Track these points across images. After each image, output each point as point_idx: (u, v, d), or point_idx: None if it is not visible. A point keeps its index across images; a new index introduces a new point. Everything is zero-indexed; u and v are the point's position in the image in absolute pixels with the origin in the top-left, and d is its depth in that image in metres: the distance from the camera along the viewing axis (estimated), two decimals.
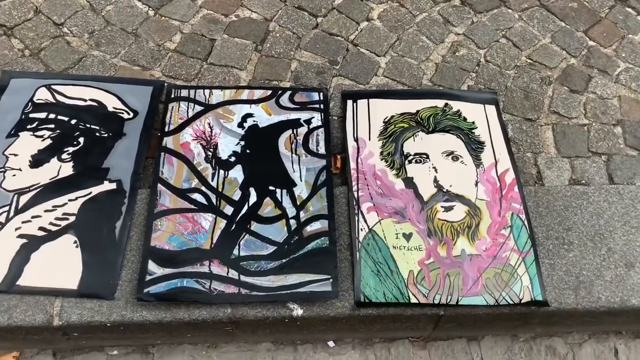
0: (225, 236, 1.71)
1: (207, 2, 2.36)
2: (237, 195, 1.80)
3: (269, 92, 2.07)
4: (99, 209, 1.73)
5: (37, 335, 1.62)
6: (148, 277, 1.61)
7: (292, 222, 1.75)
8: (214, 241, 1.70)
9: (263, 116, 2.00)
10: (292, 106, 2.04)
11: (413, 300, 1.65)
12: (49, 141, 1.86)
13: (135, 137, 1.90)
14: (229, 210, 1.77)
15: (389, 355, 1.79)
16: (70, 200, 1.74)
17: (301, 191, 1.82)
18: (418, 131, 1.98)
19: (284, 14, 2.36)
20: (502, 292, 1.68)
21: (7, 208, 1.70)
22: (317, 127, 1.98)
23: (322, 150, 1.92)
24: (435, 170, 1.89)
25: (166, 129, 1.93)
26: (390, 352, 1.80)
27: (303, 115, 2.01)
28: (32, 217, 1.69)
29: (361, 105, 2.05)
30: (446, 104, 2.08)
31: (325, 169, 1.87)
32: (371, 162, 1.90)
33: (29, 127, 1.89)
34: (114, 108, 1.97)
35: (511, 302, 1.67)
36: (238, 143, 1.92)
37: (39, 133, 1.87)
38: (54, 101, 1.96)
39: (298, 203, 1.79)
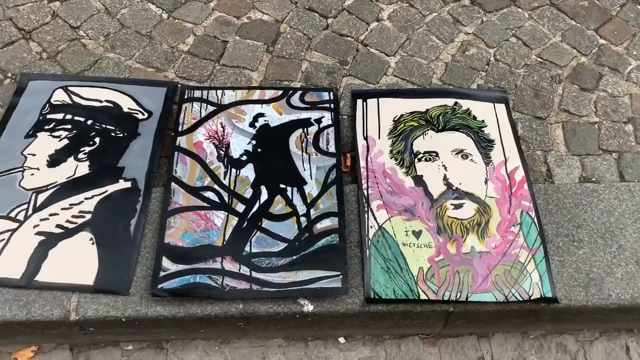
0: (237, 233, 1.74)
1: (219, 5, 2.40)
2: (248, 193, 1.83)
3: (280, 92, 2.10)
4: (114, 207, 1.77)
5: (54, 329, 1.66)
6: (162, 273, 1.65)
7: (303, 219, 1.78)
8: (226, 238, 1.73)
9: (274, 116, 2.03)
10: (303, 106, 2.06)
11: (423, 296, 1.66)
12: (65, 141, 1.91)
13: (149, 137, 1.94)
14: (240, 208, 1.80)
15: (399, 352, 1.81)
16: (86, 198, 1.78)
17: (311, 189, 1.85)
18: (428, 130, 2.00)
19: (295, 15, 2.39)
20: (511, 288, 1.69)
21: (25, 206, 1.75)
22: (327, 126, 2.00)
23: (332, 149, 1.94)
24: (445, 168, 1.90)
25: (180, 129, 1.97)
26: (401, 348, 1.81)
27: (313, 115, 2.04)
28: (50, 214, 1.74)
29: (371, 104, 2.07)
30: (456, 103, 2.09)
31: (335, 168, 1.89)
32: (381, 161, 1.92)
33: (46, 127, 1.94)
34: (128, 109, 2.01)
35: (521, 299, 1.67)
36: (249, 142, 1.96)
37: (56, 133, 1.92)
38: (70, 102, 2.01)
39: (308, 201, 1.82)
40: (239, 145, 1.95)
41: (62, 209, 1.75)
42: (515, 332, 1.88)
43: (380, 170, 1.89)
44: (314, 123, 2.01)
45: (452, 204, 1.83)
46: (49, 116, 1.97)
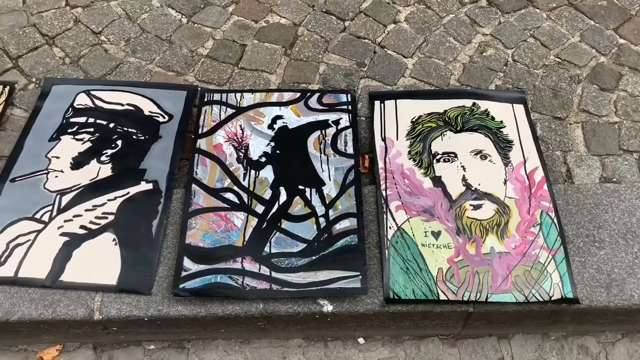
0: (256, 234, 1.76)
1: (237, 9, 2.43)
2: (267, 195, 1.85)
3: (298, 94, 2.12)
4: (136, 208, 1.80)
5: (78, 329, 1.69)
6: (184, 273, 1.67)
7: (322, 220, 1.79)
8: (246, 239, 1.75)
9: (292, 118, 2.05)
10: (321, 108, 2.08)
11: (442, 297, 1.66)
12: (88, 144, 1.94)
13: (170, 140, 1.97)
14: (260, 209, 1.82)
15: (419, 352, 1.81)
16: (109, 200, 1.81)
17: (330, 190, 1.86)
18: (446, 130, 2.00)
19: (312, 18, 2.41)
20: (531, 289, 1.68)
21: (50, 208, 1.79)
22: (345, 128, 2.02)
23: (350, 150, 1.95)
24: (464, 169, 1.90)
25: (200, 132, 1.99)
26: (420, 349, 1.81)
27: (331, 117, 2.05)
28: (74, 216, 1.77)
29: (389, 105, 2.08)
30: (474, 104, 2.09)
31: (353, 169, 1.90)
32: (399, 162, 1.92)
33: (69, 131, 1.98)
34: (149, 112, 2.04)
35: (541, 300, 1.67)
36: (268, 144, 1.98)
37: (79, 136, 1.96)
38: (93, 106, 2.05)
39: (327, 202, 1.83)
40: (258, 147, 1.97)
41: (86, 210, 1.79)
42: (536, 333, 1.87)
43: (399, 171, 1.90)
44: (332, 125, 2.03)
45: (471, 205, 1.83)
46: (72, 120, 2.01)
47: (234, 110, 2.07)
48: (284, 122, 2.04)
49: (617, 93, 2.20)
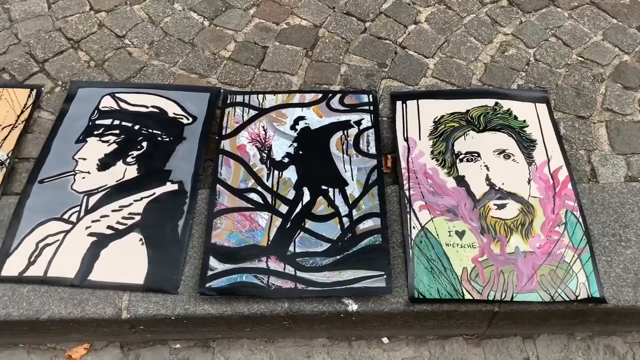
0: (281, 233, 1.77)
1: (258, 12, 2.46)
2: (291, 195, 1.86)
3: (320, 95, 2.13)
4: (162, 208, 1.82)
5: (106, 327, 1.72)
6: (209, 272, 1.69)
7: (345, 220, 1.80)
8: (271, 238, 1.76)
9: (314, 118, 2.06)
10: (342, 108, 2.09)
11: (467, 296, 1.66)
12: (114, 146, 1.97)
13: (194, 141, 1.99)
14: (283, 208, 1.83)
15: (443, 352, 1.80)
16: (135, 200, 1.84)
17: (353, 190, 1.87)
18: (469, 130, 2.00)
19: (333, 20, 2.42)
20: (557, 288, 1.67)
21: (77, 208, 1.82)
22: (367, 128, 2.02)
23: (372, 150, 1.96)
24: (487, 169, 1.90)
25: (223, 133, 2.01)
26: (445, 349, 1.81)
27: (353, 117, 2.06)
28: (101, 216, 1.80)
29: (410, 105, 2.09)
30: (496, 103, 2.08)
31: (376, 169, 1.91)
32: (422, 161, 1.93)
33: (95, 132, 2.01)
34: (174, 114, 2.07)
35: (567, 299, 1.66)
36: (291, 145, 1.99)
37: (105, 138, 1.99)
38: (118, 108, 2.08)
39: (350, 202, 1.84)
40: (281, 147, 1.98)
41: (113, 210, 1.81)
42: (561, 333, 1.85)
43: (422, 171, 1.90)
44: (354, 125, 2.04)
45: (495, 204, 1.83)
46: (97, 122, 2.04)
47: (256, 112, 2.08)
48: (306, 123, 2.05)
49: None
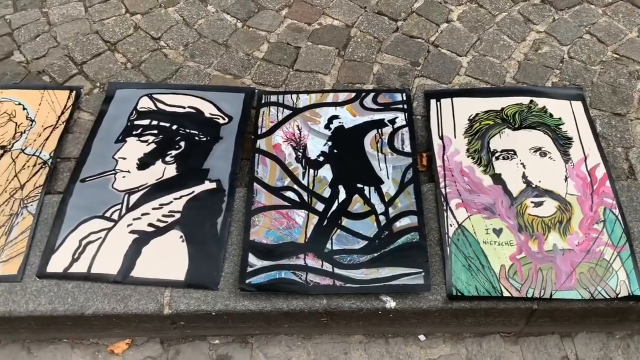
0: (318, 231, 1.79)
1: (290, 12, 2.48)
2: (327, 193, 1.88)
3: (353, 94, 2.15)
4: (201, 206, 1.86)
5: (148, 323, 1.75)
6: (249, 269, 1.71)
7: (382, 217, 1.81)
8: (308, 236, 1.78)
9: (348, 117, 2.08)
10: (376, 107, 2.10)
11: (506, 293, 1.66)
12: (153, 145, 2.01)
13: (231, 140, 2.03)
14: (320, 206, 1.85)
15: (481, 349, 1.80)
16: (175, 198, 1.87)
17: (389, 188, 1.88)
18: (504, 128, 2.00)
19: (365, 19, 2.44)
20: (597, 286, 1.66)
21: (119, 206, 1.86)
22: (402, 127, 2.03)
23: (407, 149, 1.97)
24: (524, 166, 1.89)
25: (259, 132, 2.04)
26: (482, 346, 1.81)
27: (387, 116, 2.07)
28: (142, 214, 1.84)
29: (445, 104, 2.09)
30: (531, 101, 2.08)
31: (411, 167, 1.92)
32: (457, 159, 1.93)
33: (134, 133, 2.05)
34: (210, 114, 2.10)
35: (607, 297, 1.65)
36: (326, 143, 2.01)
37: (143, 138, 2.03)
38: (155, 109, 2.12)
39: (386, 200, 1.85)
40: (316, 146, 2.00)
41: (153, 208, 1.85)
42: (600, 331, 1.84)
43: (458, 169, 1.90)
44: (388, 124, 2.05)
45: (532, 202, 1.82)
46: (136, 122, 2.08)
47: (290, 111, 2.11)
48: (340, 122, 2.07)
49: None
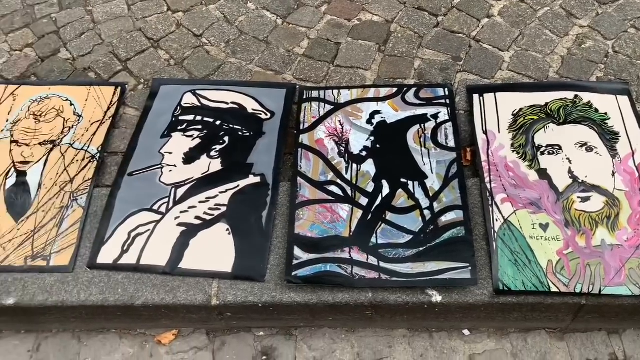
0: (362, 225, 1.80)
1: (330, 9, 2.50)
2: (370, 187, 1.89)
3: (395, 89, 2.15)
4: (246, 200, 1.88)
5: (195, 314, 1.78)
6: (295, 262, 1.73)
7: (427, 212, 1.81)
8: (352, 229, 1.79)
9: (390, 112, 2.08)
10: (418, 102, 2.10)
11: (553, 289, 1.65)
12: (198, 140, 2.05)
13: (274, 136, 2.05)
14: (363, 201, 1.86)
15: (526, 345, 1.79)
16: (220, 192, 1.90)
17: (433, 183, 1.88)
18: (549, 123, 1.98)
19: (405, 15, 2.44)
20: None
21: (166, 200, 1.90)
22: (445, 122, 2.03)
23: (451, 144, 1.96)
24: (570, 162, 1.88)
25: (301, 127, 2.06)
26: (527, 342, 1.80)
27: (430, 111, 2.07)
28: (189, 207, 1.87)
29: (488, 99, 2.08)
30: (576, 96, 2.05)
31: (455, 162, 1.92)
32: (502, 154, 1.92)
33: (179, 128, 2.09)
34: (252, 110, 2.13)
35: None
36: (368, 138, 2.02)
37: (188, 133, 2.07)
38: (199, 105, 2.15)
39: (431, 194, 1.85)
40: (358, 141, 2.01)
41: (200, 202, 1.88)
42: None
43: (503, 163, 1.89)
44: (431, 119, 2.05)
45: (579, 197, 1.80)
46: (180, 118, 2.12)
47: (332, 107, 2.12)
48: (382, 117, 2.07)
49: None
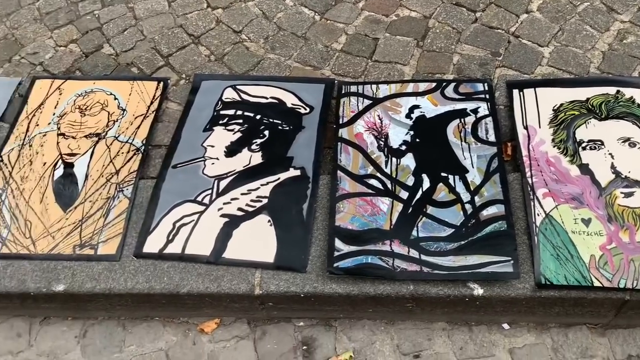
0: (402, 218, 1.82)
1: (367, 5, 2.51)
2: (410, 181, 1.90)
3: (434, 84, 2.16)
4: (287, 192, 1.91)
5: (237, 303, 1.82)
6: (336, 253, 1.75)
7: (468, 206, 1.82)
8: (393, 222, 1.81)
9: (429, 107, 2.09)
10: (458, 97, 2.11)
11: (596, 283, 1.64)
12: (239, 134, 2.08)
13: (313, 130, 2.08)
14: (404, 194, 1.87)
15: (567, 340, 1.79)
16: (262, 185, 1.94)
17: (474, 177, 1.88)
18: (590, 118, 1.97)
19: (442, 10, 2.45)
20: None
21: (210, 191, 1.94)
22: (485, 116, 2.03)
23: (492, 138, 1.97)
24: (612, 157, 1.86)
25: (340, 122, 2.08)
26: (568, 337, 1.79)
27: (469, 105, 2.07)
28: (232, 199, 1.91)
29: (528, 94, 2.08)
30: (618, 91, 2.04)
31: (496, 156, 1.92)
32: (543, 149, 1.92)
33: (220, 122, 2.13)
34: (292, 104, 2.16)
35: None
36: (407, 133, 2.03)
37: (229, 127, 2.11)
38: (240, 99, 2.19)
39: (472, 188, 1.86)
40: (397, 135, 2.03)
41: (242, 194, 1.92)
42: None
43: (544, 158, 1.89)
44: (470, 113, 2.05)
45: (622, 193, 1.79)
46: (222, 112, 2.16)
47: (370, 101, 2.14)
48: (421, 112, 2.08)
49: None
